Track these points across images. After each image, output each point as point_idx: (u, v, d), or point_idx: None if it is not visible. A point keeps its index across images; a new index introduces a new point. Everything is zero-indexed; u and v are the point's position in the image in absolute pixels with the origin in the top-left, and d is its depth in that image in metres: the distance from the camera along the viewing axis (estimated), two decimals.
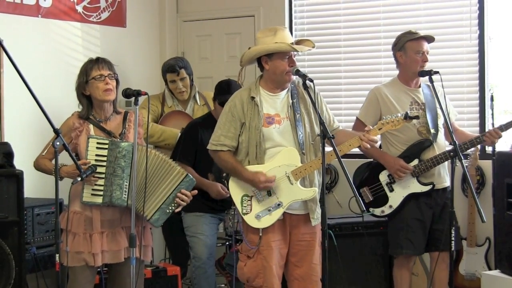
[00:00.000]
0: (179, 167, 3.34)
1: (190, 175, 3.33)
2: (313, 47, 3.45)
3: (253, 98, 3.40)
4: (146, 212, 3.28)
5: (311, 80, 3.22)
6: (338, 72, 5.31)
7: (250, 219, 3.38)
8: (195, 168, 4.21)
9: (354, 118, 4.16)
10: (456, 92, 4.83)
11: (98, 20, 5.07)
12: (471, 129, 4.54)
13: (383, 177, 4.01)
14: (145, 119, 3.51)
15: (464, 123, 4.64)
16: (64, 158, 3.10)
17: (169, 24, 5.74)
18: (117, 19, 5.24)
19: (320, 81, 5.01)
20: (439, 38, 4.73)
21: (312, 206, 3.41)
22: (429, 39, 3.99)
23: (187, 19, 5.76)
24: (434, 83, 3.86)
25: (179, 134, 4.50)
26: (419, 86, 4.04)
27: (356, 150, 3.43)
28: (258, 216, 3.37)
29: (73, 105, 3.48)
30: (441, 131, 4.00)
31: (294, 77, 3.41)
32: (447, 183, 3.98)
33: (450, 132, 3.64)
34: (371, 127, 3.40)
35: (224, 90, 4.13)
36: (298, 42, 3.46)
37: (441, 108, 3.72)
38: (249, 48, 3.46)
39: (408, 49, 3.96)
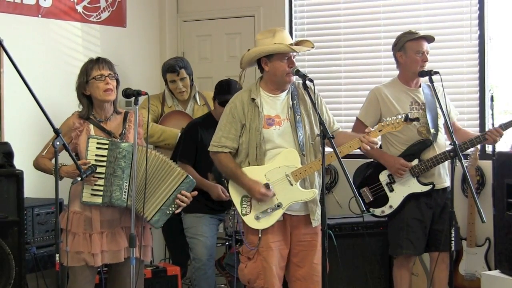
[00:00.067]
0: (179, 168, 3.34)
1: (190, 176, 3.33)
2: (312, 47, 3.45)
3: (253, 99, 3.40)
4: (146, 213, 3.28)
5: (311, 80, 3.22)
6: (338, 73, 5.31)
7: (249, 220, 3.38)
8: (195, 168, 4.21)
9: (354, 118, 4.16)
10: (456, 92, 4.83)
11: (98, 20, 5.07)
12: (471, 130, 4.52)
13: (383, 177, 4.01)
14: (145, 119, 3.51)
15: (464, 123, 4.63)
16: (64, 158, 3.09)
17: (169, 24, 5.74)
18: (117, 19, 5.24)
19: (320, 81, 5.01)
20: (439, 38, 4.73)
21: (313, 207, 3.41)
22: (429, 39, 3.99)
23: (187, 19, 5.76)
24: (434, 83, 3.86)
25: (179, 134, 4.50)
26: (419, 86, 4.04)
27: (356, 150, 3.42)
28: (257, 217, 3.37)
29: (73, 105, 3.48)
30: (442, 131, 4.00)
31: (294, 79, 3.41)
32: (447, 183, 3.98)
33: (450, 132, 3.64)
34: (371, 128, 3.40)
35: (224, 90, 4.13)
36: (297, 43, 3.46)
37: (441, 108, 3.72)
38: (248, 50, 3.46)
39: (408, 49, 3.96)
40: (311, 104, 3.36)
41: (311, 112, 3.44)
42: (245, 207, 3.39)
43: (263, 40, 3.41)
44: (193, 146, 4.23)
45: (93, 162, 3.22)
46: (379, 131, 3.40)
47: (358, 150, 3.46)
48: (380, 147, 4.10)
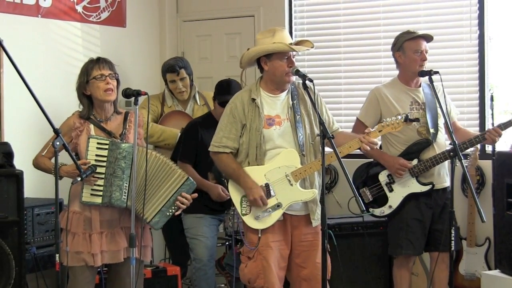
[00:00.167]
0: (180, 169, 3.33)
1: (191, 179, 3.33)
2: (312, 47, 3.45)
3: (253, 99, 3.40)
4: (146, 214, 3.28)
5: (311, 80, 3.22)
6: (338, 73, 5.31)
7: (249, 220, 3.38)
8: (195, 168, 4.21)
9: (354, 118, 4.16)
10: (456, 92, 4.82)
11: (98, 20, 5.07)
12: (471, 129, 4.52)
13: (383, 177, 4.01)
14: (145, 119, 3.50)
15: (464, 123, 4.63)
16: (64, 157, 3.10)
17: (169, 24, 5.74)
18: (117, 19, 5.24)
19: (320, 81, 5.01)
20: (439, 38, 4.74)
21: (313, 207, 3.41)
22: (428, 38, 3.99)
23: (187, 19, 5.76)
24: (434, 83, 3.86)
25: (179, 134, 4.50)
26: (419, 86, 4.04)
27: (355, 150, 3.42)
28: (257, 217, 3.37)
29: (73, 105, 3.48)
30: (442, 131, 4.00)
31: (294, 78, 3.41)
32: (447, 183, 3.98)
33: (449, 132, 3.64)
34: (371, 129, 3.40)
35: (224, 90, 4.13)
36: (297, 43, 3.46)
37: (441, 107, 3.72)
38: (248, 49, 3.46)
39: (407, 48, 3.96)
40: (311, 104, 3.36)
41: (311, 112, 3.44)
42: (245, 207, 3.39)
43: (263, 40, 3.41)
44: (193, 146, 4.23)
45: (93, 162, 3.22)
46: (379, 131, 3.40)
47: (358, 150, 3.46)
48: (380, 147, 4.10)
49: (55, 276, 3.03)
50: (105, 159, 3.25)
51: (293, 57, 3.38)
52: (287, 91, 3.47)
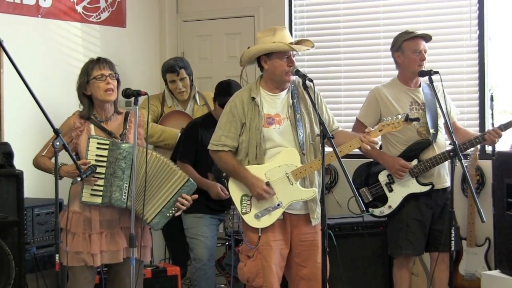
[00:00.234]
0: (181, 171, 3.33)
1: (191, 180, 3.33)
2: (312, 47, 3.45)
3: (253, 98, 3.40)
4: (146, 215, 3.28)
5: (311, 80, 3.22)
6: (338, 73, 5.31)
7: (249, 219, 3.38)
8: (195, 168, 4.21)
9: (354, 118, 4.16)
10: (456, 92, 4.82)
11: (98, 20, 5.07)
12: (470, 129, 4.53)
13: (383, 177, 4.01)
14: (145, 119, 3.50)
15: (464, 123, 4.63)
16: (64, 157, 3.10)
17: (169, 24, 5.74)
18: (117, 19, 5.24)
19: (320, 81, 5.01)
20: (439, 38, 4.75)
21: (312, 206, 3.41)
22: (426, 37, 3.99)
23: (187, 19, 5.76)
24: (434, 83, 3.86)
25: (179, 134, 4.50)
26: (419, 86, 4.03)
27: (355, 150, 3.42)
28: (257, 216, 3.37)
29: (73, 105, 3.48)
30: (442, 131, 4.00)
31: (294, 77, 3.41)
32: (447, 183, 3.98)
33: (449, 132, 3.64)
34: (371, 128, 3.40)
35: (225, 91, 4.12)
36: (298, 43, 3.46)
37: (441, 108, 3.72)
38: (248, 47, 3.47)
39: (405, 49, 3.96)
40: (311, 104, 3.36)
41: (311, 110, 3.43)
42: (245, 206, 3.39)
43: (263, 39, 3.41)
44: (193, 146, 4.23)
45: (93, 162, 3.22)
46: (379, 130, 3.40)
47: (358, 150, 3.46)
48: (380, 147, 4.10)
49: (55, 276, 3.03)
50: (105, 159, 3.25)
51: (293, 57, 3.38)
52: (287, 90, 3.47)
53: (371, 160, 4.11)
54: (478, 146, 4.48)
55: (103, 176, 3.25)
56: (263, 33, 3.46)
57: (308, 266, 3.42)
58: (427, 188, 3.93)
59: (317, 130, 3.40)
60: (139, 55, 5.49)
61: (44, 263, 3.98)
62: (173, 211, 3.31)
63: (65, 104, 3.79)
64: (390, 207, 3.99)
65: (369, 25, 5.20)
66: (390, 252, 4.13)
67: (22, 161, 3.84)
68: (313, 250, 3.42)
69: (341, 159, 3.05)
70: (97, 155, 3.24)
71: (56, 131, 2.91)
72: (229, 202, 3.85)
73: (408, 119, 3.38)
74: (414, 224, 3.95)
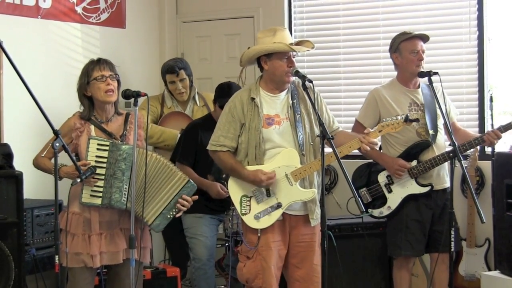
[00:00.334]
0: (181, 172, 3.33)
1: (191, 181, 3.33)
2: (313, 47, 3.45)
3: (253, 99, 3.40)
4: (147, 217, 3.28)
5: (310, 81, 3.22)
6: (337, 73, 5.32)
7: (249, 220, 3.38)
8: (195, 169, 4.21)
9: (354, 119, 4.15)
10: (456, 93, 4.83)
11: (98, 21, 5.07)
12: (470, 130, 4.53)
13: (382, 178, 4.00)
14: (145, 120, 3.50)
15: (464, 124, 4.63)
16: (64, 158, 3.10)
17: (169, 25, 5.74)
18: (117, 20, 5.24)
19: (319, 82, 5.01)
20: (439, 39, 4.76)
21: (312, 207, 3.41)
22: (424, 38, 3.99)
23: (187, 20, 5.76)
24: (433, 84, 3.85)
25: (179, 135, 4.50)
26: (418, 87, 4.04)
27: (355, 151, 3.42)
28: (257, 216, 3.37)
29: (72, 106, 3.48)
30: (441, 132, 4.00)
31: (294, 78, 3.41)
32: (447, 184, 3.98)
33: (449, 133, 3.64)
34: (370, 129, 3.40)
35: (225, 92, 4.12)
36: (298, 43, 3.46)
37: (440, 108, 3.72)
38: (248, 48, 3.47)
39: (403, 49, 3.96)
40: (310, 105, 3.36)
41: (311, 111, 3.43)
42: (244, 207, 3.39)
43: (264, 39, 3.41)
44: (192, 148, 4.23)
45: (93, 163, 3.22)
46: (379, 131, 3.40)
47: (357, 151, 3.46)
48: (380, 148, 4.10)
49: (55, 278, 3.02)
50: (105, 160, 3.25)
51: (293, 57, 3.38)
52: (287, 90, 3.47)
53: (371, 160, 4.11)
54: (478, 147, 4.48)
55: (103, 177, 3.25)
56: (263, 34, 3.46)
57: (304, 268, 3.42)
58: (427, 189, 3.93)
59: (317, 131, 3.40)
60: (139, 56, 5.49)
61: (44, 264, 3.98)
62: (174, 213, 3.31)
63: (65, 105, 3.79)
64: (389, 208, 3.99)
65: (368, 26, 5.20)
66: (389, 253, 4.13)
67: (21, 162, 3.84)
68: (310, 251, 3.42)
69: (341, 160, 3.05)
70: (97, 156, 3.24)
71: (55, 132, 2.91)
72: (228, 202, 3.85)
73: (407, 120, 3.38)
74: (414, 225, 3.95)
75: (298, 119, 3.40)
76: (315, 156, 3.41)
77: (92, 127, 3.34)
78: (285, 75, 3.37)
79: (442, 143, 4.02)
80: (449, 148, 3.72)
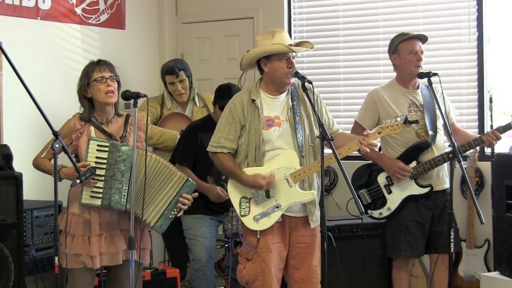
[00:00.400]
0: (180, 172, 3.33)
1: (191, 179, 3.33)
2: (312, 48, 3.45)
3: (253, 100, 3.40)
4: (148, 219, 3.28)
5: (310, 82, 3.23)
6: (337, 74, 5.32)
7: (248, 221, 3.38)
8: (194, 171, 4.21)
9: (353, 120, 4.16)
10: (455, 94, 4.84)
11: (97, 22, 5.07)
12: (470, 131, 4.53)
13: (381, 179, 4.01)
14: (144, 122, 3.50)
15: (463, 125, 4.64)
16: (64, 159, 3.10)
17: (168, 26, 5.74)
18: (116, 21, 5.24)
19: (319, 83, 5.00)
20: (438, 40, 4.76)
21: (311, 209, 3.41)
22: (422, 38, 3.99)
23: (186, 21, 5.76)
24: (433, 85, 3.85)
25: (178, 136, 4.50)
26: (417, 88, 4.04)
27: (355, 152, 3.43)
28: (256, 218, 3.37)
29: (72, 107, 3.48)
30: (440, 133, 4.00)
31: (294, 80, 3.41)
32: (446, 185, 3.98)
33: (448, 133, 3.64)
34: (369, 131, 3.41)
35: (225, 94, 4.12)
36: (297, 44, 3.46)
37: (439, 109, 3.72)
38: (248, 51, 3.47)
39: (401, 50, 3.97)
40: (310, 106, 3.36)
41: (310, 113, 3.44)
42: (244, 208, 3.39)
43: (263, 41, 3.42)
44: (192, 149, 4.23)
45: (93, 164, 3.21)
46: (379, 133, 3.40)
47: (357, 152, 3.46)
48: (380, 149, 4.10)
49: (54, 279, 3.02)
50: (105, 161, 3.25)
51: (293, 58, 3.39)
52: (286, 92, 3.47)
53: (370, 162, 4.11)
54: (477, 148, 4.49)
55: (102, 178, 3.25)
56: (262, 36, 3.46)
57: (303, 269, 3.42)
58: (426, 190, 3.93)
59: (316, 132, 3.40)
60: (139, 57, 5.49)
61: (44, 265, 3.97)
62: (175, 212, 3.31)
63: (65, 106, 3.79)
64: (389, 209, 3.99)
65: (368, 27, 5.21)
66: (389, 254, 4.13)
67: (21, 163, 3.84)
68: (309, 252, 3.43)
69: (340, 161, 3.05)
70: (97, 157, 3.24)
71: (55, 133, 2.91)
72: (228, 203, 3.84)
73: (407, 122, 3.39)
74: (413, 226, 3.95)
75: (298, 121, 3.40)
76: (314, 158, 3.42)
77: (92, 128, 3.34)
78: (285, 77, 3.38)
79: (442, 144, 4.02)
80: (449, 149, 3.72)
